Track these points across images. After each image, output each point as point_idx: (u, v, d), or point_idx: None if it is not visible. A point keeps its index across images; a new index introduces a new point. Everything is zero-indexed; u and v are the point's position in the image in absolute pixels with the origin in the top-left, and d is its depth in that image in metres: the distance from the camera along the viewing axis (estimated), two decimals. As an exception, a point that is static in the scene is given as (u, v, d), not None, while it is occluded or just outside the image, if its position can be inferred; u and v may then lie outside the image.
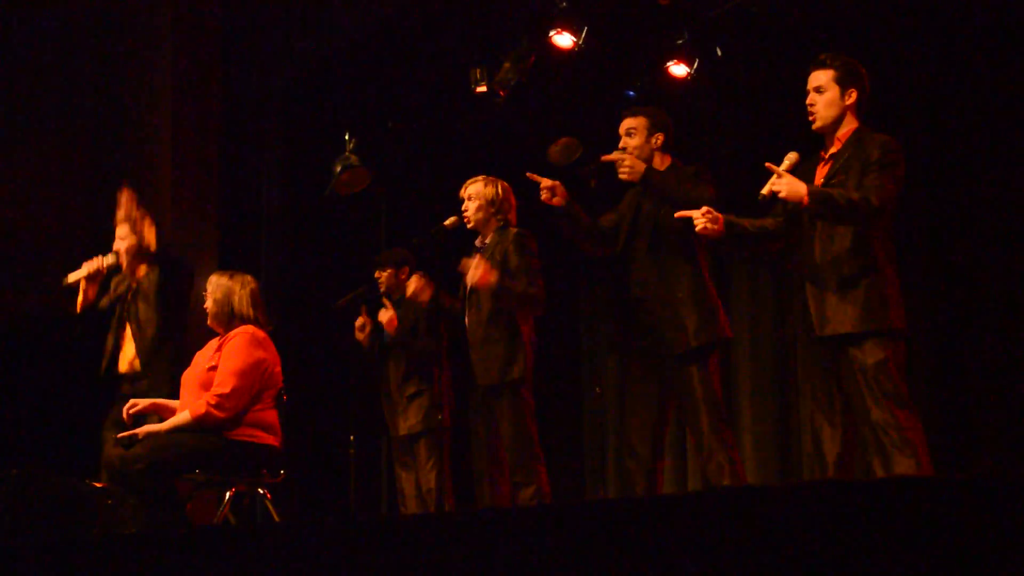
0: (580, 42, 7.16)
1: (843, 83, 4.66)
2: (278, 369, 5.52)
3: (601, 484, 7.92)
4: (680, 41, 7.17)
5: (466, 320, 5.78)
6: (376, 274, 6.89)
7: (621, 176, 5.03)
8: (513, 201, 5.89)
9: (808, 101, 4.71)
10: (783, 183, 4.54)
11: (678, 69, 7.22)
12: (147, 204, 8.69)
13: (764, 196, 4.68)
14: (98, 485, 5.60)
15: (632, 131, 5.21)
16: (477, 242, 5.88)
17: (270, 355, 5.49)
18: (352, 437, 6.42)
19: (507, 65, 7.30)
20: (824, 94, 4.67)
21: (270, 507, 5.74)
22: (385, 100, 8.35)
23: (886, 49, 6.63)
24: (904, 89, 6.55)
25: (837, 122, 4.68)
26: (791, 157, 4.73)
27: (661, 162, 5.19)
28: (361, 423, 7.13)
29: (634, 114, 5.26)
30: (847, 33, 6.77)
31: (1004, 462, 5.83)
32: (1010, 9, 6.07)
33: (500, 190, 5.85)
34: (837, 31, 6.78)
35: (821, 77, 4.69)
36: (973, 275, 6.19)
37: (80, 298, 6.29)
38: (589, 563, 3.03)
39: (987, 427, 6.07)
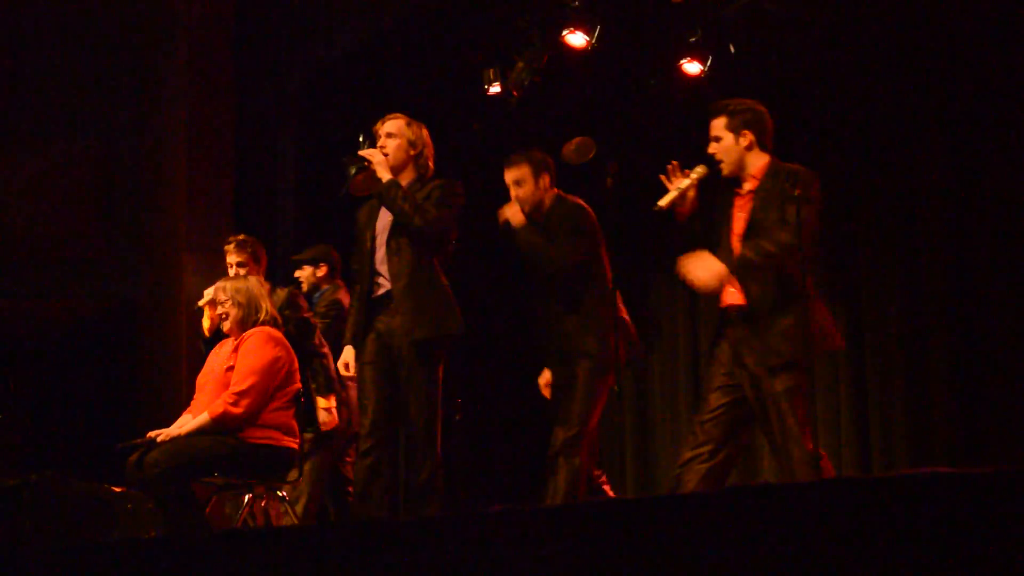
0: (593, 41, 7.15)
1: (735, 128, 4.76)
2: (294, 368, 5.52)
3: (620, 484, 7.92)
4: (693, 39, 7.15)
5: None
6: (295, 273, 6.92)
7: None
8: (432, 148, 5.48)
9: (709, 150, 4.81)
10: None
11: (691, 67, 7.20)
12: (161, 207, 8.76)
13: (660, 208, 4.72)
14: (117, 489, 5.63)
15: (520, 181, 5.42)
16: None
17: (287, 353, 5.49)
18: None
19: (520, 65, 7.30)
20: (721, 142, 4.79)
21: (290, 509, 5.76)
22: (398, 101, 8.34)
23: (900, 43, 6.61)
24: (921, 84, 6.53)
25: (741, 164, 4.76)
26: (699, 170, 4.79)
27: (549, 199, 5.44)
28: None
29: (515, 164, 5.46)
30: (859, 29, 6.76)
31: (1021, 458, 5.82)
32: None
33: (423, 133, 5.43)
34: (849, 27, 6.77)
35: (715, 126, 4.82)
36: (988, 272, 6.18)
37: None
38: (607, 562, 3.04)
39: (1006, 423, 6.05)
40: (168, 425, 5.38)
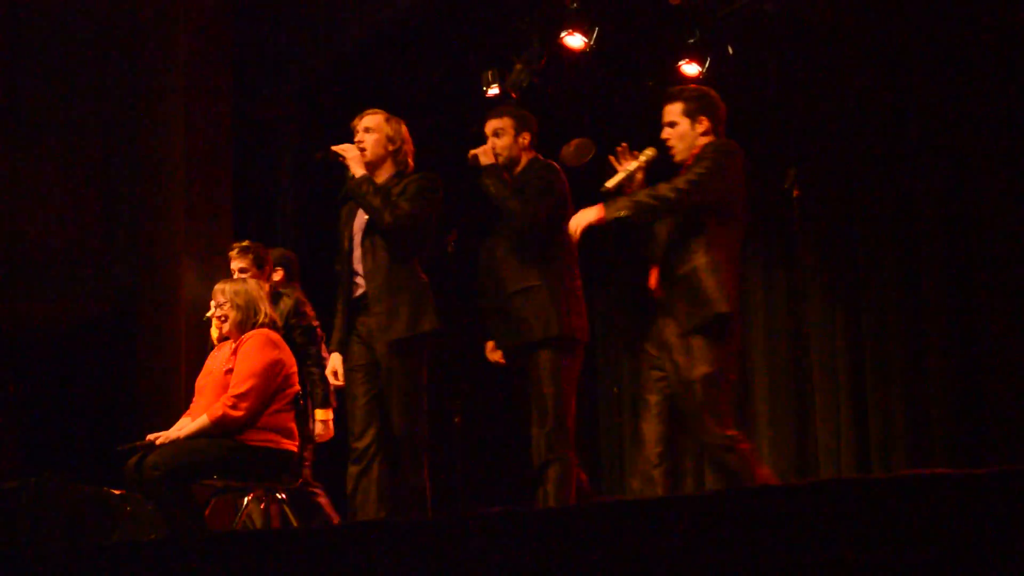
0: (592, 43, 7.15)
1: (692, 114, 4.76)
2: (294, 371, 5.51)
3: (619, 484, 7.92)
4: (692, 40, 7.16)
5: None
6: None
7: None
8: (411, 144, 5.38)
9: (663, 136, 4.80)
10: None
11: (690, 68, 7.21)
12: (160, 209, 8.75)
13: (608, 189, 4.76)
14: (117, 492, 5.62)
15: (500, 131, 5.29)
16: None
17: (285, 356, 5.48)
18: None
19: (519, 67, 7.30)
20: (676, 128, 4.78)
21: (288, 512, 5.75)
22: (397, 102, 8.35)
23: (899, 43, 6.61)
24: (921, 84, 6.53)
25: (693, 150, 4.76)
26: (648, 153, 4.80)
27: (526, 159, 5.29)
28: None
29: (500, 115, 5.35)
30: (858, 29, 6.76)
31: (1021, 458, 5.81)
32: None
33: (402, 129, 5.33)
34: (848, 28, 6.77)
35: (671, 112, 4.79)
36: (988, 272, 6.18)
37: None
38: (606, 563, 3.03)
39: (1006, 423, 6.05)
40: (167, 428, 5.38)
